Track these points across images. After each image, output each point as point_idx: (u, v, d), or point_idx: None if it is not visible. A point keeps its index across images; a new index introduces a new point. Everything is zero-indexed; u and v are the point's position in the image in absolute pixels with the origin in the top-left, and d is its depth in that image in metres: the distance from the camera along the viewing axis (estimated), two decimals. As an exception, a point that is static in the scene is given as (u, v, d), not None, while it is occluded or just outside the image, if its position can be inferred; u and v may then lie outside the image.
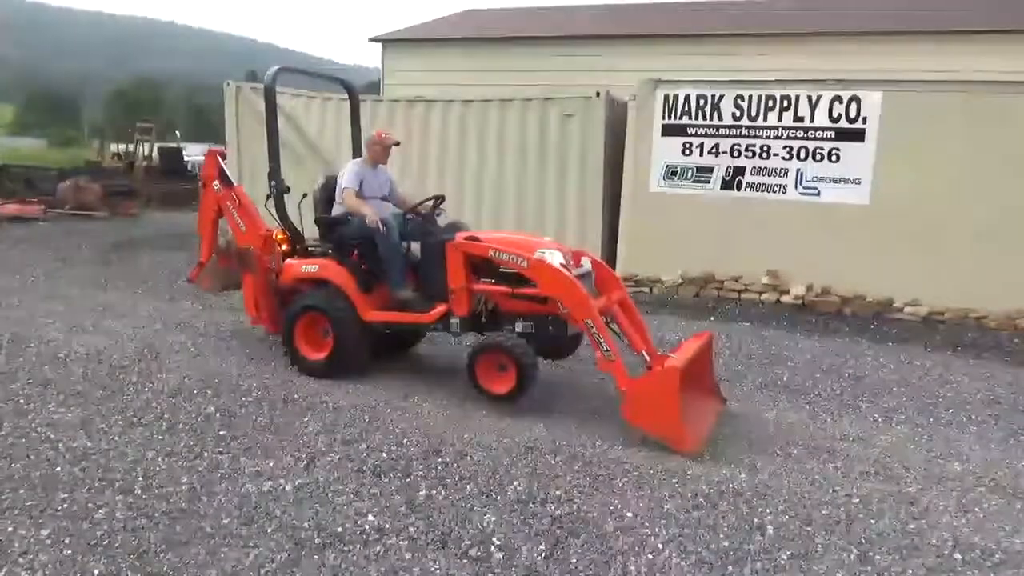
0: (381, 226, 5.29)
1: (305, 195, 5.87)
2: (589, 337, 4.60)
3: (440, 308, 5.19)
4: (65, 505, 3.36)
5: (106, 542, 3.08)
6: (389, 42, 17.04)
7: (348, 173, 5.61)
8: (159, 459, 3.89)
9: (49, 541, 3.06)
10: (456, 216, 9.95)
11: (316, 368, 5.41)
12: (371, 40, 17.23)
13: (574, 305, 4.62)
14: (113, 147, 24.72)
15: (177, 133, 22.76)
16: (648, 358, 4.66)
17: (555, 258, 4.82)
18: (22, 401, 4.64)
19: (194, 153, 24.30)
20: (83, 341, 6.03)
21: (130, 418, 4.43)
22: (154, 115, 35.51)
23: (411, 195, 6.24)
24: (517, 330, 4.99)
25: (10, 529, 3.14)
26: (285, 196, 5.84)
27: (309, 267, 5.61)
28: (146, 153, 22.48)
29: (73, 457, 3.86)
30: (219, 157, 6.21)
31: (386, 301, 5.42)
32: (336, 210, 5.70)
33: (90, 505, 3.37)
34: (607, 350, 4.50)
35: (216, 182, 6.09)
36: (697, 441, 4.30)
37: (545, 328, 4.96)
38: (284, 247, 5.82)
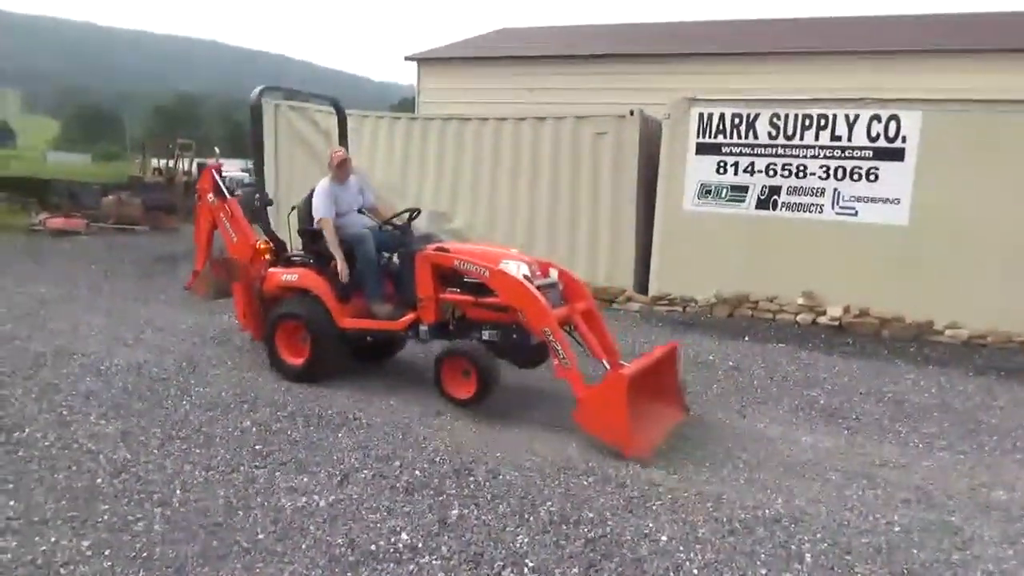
0: (345, 277, 5.57)
1: (294, 207, 6.09)
2: (547, 345, 4.76)
3: (410, 316, 5.42)
4: (106, 517, 3.42)
5: (145, 555, 3.12)
6: (424, 60, 17.25)
7: (320, 200, 5.75)
8: (196, 472, 3.95)
9: (90, 553, 3.12)
10: (489, 235, 10.08)
11: (295, 373, 5.66)
12: (407, 59, 17.46)
13: (532, 314, 4.81)
14: (154, 162, 25.30)
15: (216, 150, 23.27)
16: (607, 366, 4.79)
17: (518, 269, 5.01)
18: (65, 412, 4.75)
19: (231, 169, 24.72)
20: (124, 354, 6.16)
21: (168, 431, 4.51)
22: (193, 130, 36.30)
23: (390, 204, 6.68)
24: (484, 338, 5.19)
25: (53, 539, 3.20)
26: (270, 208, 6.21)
27: (289, 276, 5.85)
28: (186, 168, 22.97)
29: (114, 469, 3.93)
30: (214, 171, 6.44)
31: (362, 309, 5.65)
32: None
33: (129, 517, 3.42)
34: (563, 358, 4.66)
35: (211, 194, 6.36)
36: (646, 447, 4.42)
37: (509, 336, 5.14)
38: (268, 257, 6.06)
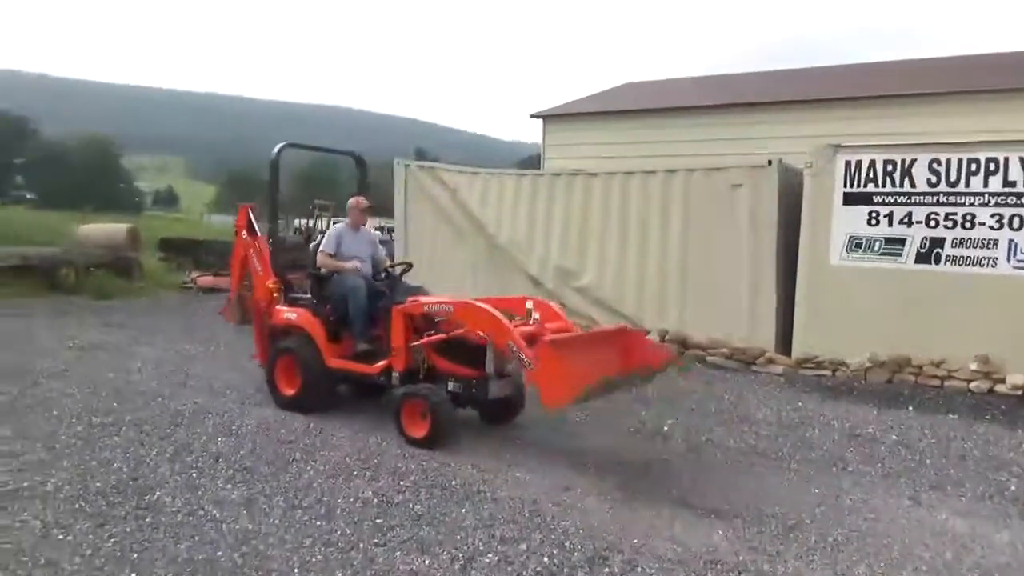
0: (359, 270, 6.25)
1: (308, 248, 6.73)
2: (513, 357, 5.02)
3: (384, 362, 5.87)
4: (223, 596, 3.27)
5: (259, 643, 2.93)
6: (549, 117, 17.34)
7: (328, 237, 6.48)
8: (316, 548, 3.76)
9: (204, 638, 2.95)
10: (619, 292, 9.74)
11: (285, 402, 6.30)
12: (532, 116, 17.61)
13: (495, 332, 5.20)
14: (296, 222, 26.67)
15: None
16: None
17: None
18: (194, 475, 4.74)
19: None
20: (255, 414, 6.21)
21: (291, 499, 4.38)
22: (331, 192, 38.26)
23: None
24: (448, 389, 5.58)
25: (170, 619, 3.08)
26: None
27: (290, 315, 6.48)
28: (323, 228, 24.05)
29: (235, 540, 3.81)
30: (250, 211, 7.10)
31: (350, 352, 6.16)
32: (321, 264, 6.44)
33: (247, 597, 3.26)
34: (528, 362, 4.86)
35: (244, 232, 7.05)
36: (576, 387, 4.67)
37: (470, 389, 5.58)
38: (276, 295, 6.68)
